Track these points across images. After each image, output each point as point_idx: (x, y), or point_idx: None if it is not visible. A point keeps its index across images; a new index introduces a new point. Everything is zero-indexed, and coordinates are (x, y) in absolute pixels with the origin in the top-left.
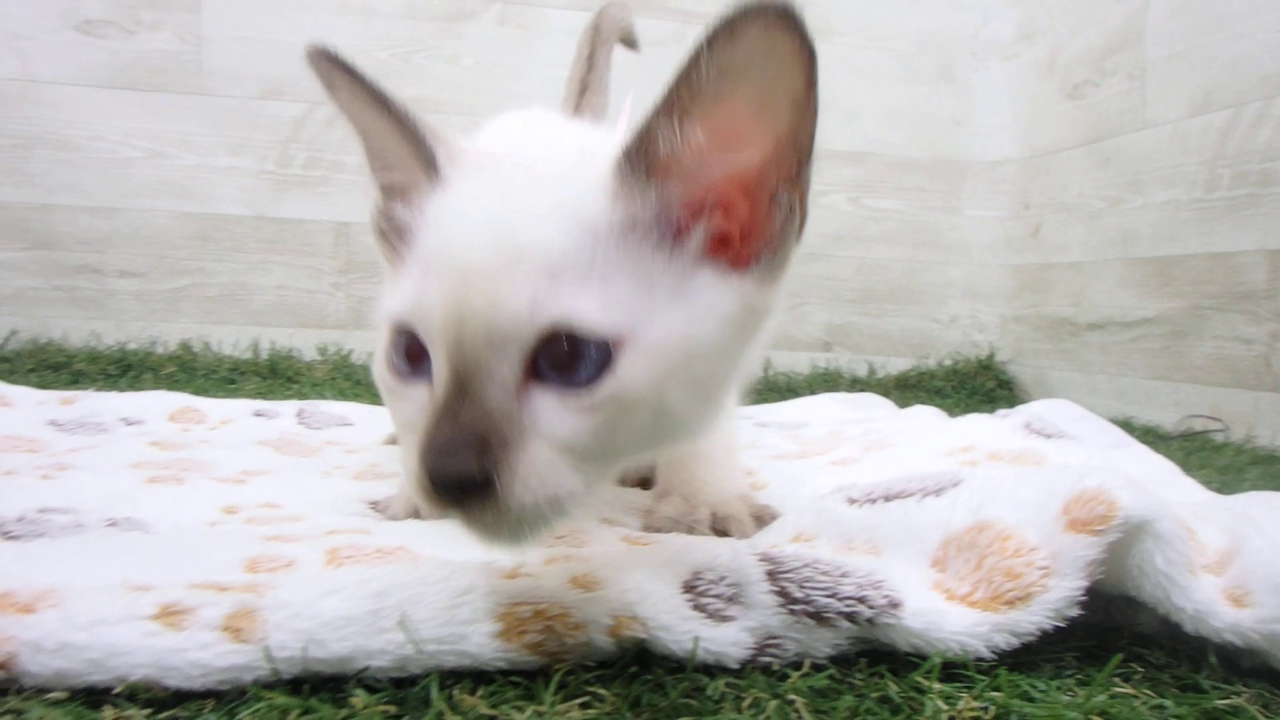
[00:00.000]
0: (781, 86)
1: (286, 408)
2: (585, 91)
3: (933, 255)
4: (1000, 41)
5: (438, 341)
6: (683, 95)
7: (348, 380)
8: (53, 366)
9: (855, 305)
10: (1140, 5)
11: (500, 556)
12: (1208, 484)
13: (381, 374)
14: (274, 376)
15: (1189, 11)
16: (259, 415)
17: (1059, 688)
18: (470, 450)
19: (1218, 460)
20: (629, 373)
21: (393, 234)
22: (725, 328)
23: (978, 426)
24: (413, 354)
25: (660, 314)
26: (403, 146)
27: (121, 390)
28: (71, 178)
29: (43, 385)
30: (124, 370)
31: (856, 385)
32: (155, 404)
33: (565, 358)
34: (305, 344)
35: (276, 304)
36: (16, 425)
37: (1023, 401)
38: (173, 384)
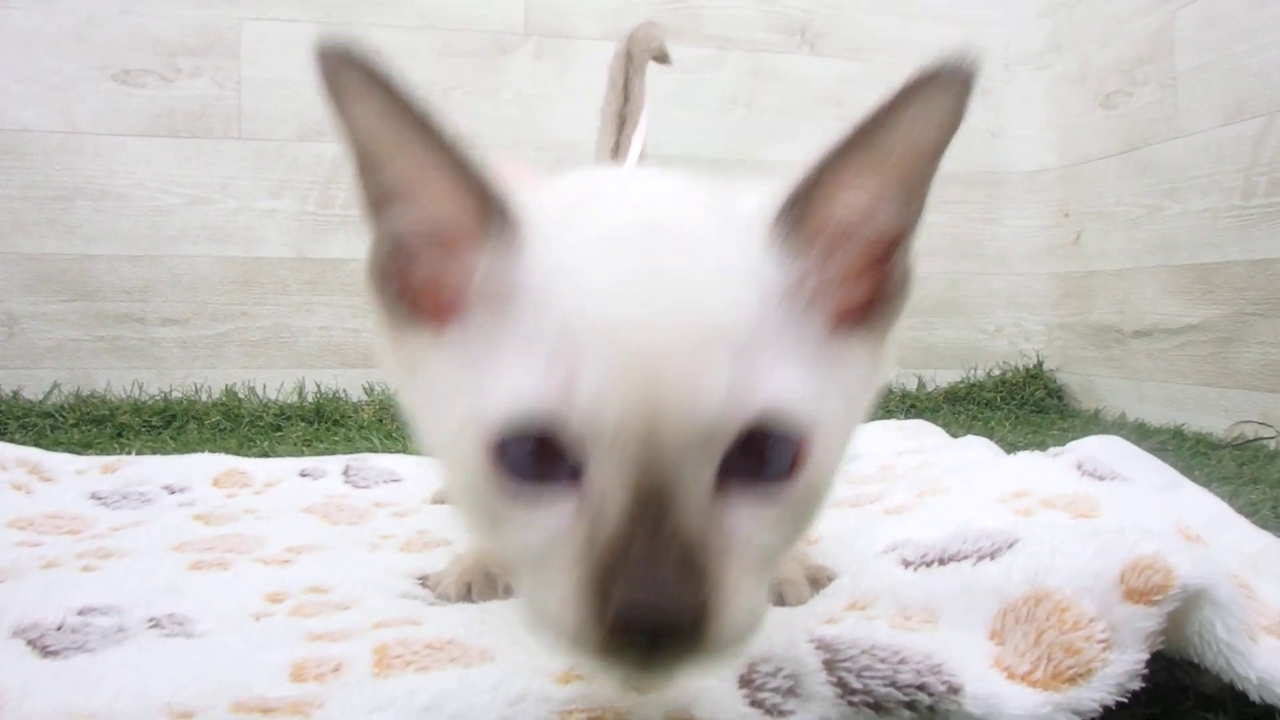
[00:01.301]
0: (936, 148)
1: (333, 465)
2: (624, 125)
3: (975, 266)
4: (1031, 53)
5: (613, 447)
6: (857, 154)
7: (394, 421)
8: (96, 420)
9: (901, 319)
10: (1168, 17)
11: (641, 697)
12: (1263, 499)
13: (480, 494)
14: (320, 420)
15: (1216, 23)
16: (305, 475)
17: None
18: (686, 578)
19: (1271, 472)
20: (820, 459)
21: (421, 294)
22: (867, 395)
23: (1030, 468)
24: (539, 458)
25: (826, 390)
26: (451, 183)
27: (167, 442)
28: (112, 227)
29: (85, 441)
30: (168, 421)
31: (906, 400)
32: (199, 468)
33: (758, 452)
34: (351, 384)
35: (321, 345)
36: (57, 502)
37: (1074, 410)
38: (218, 433)
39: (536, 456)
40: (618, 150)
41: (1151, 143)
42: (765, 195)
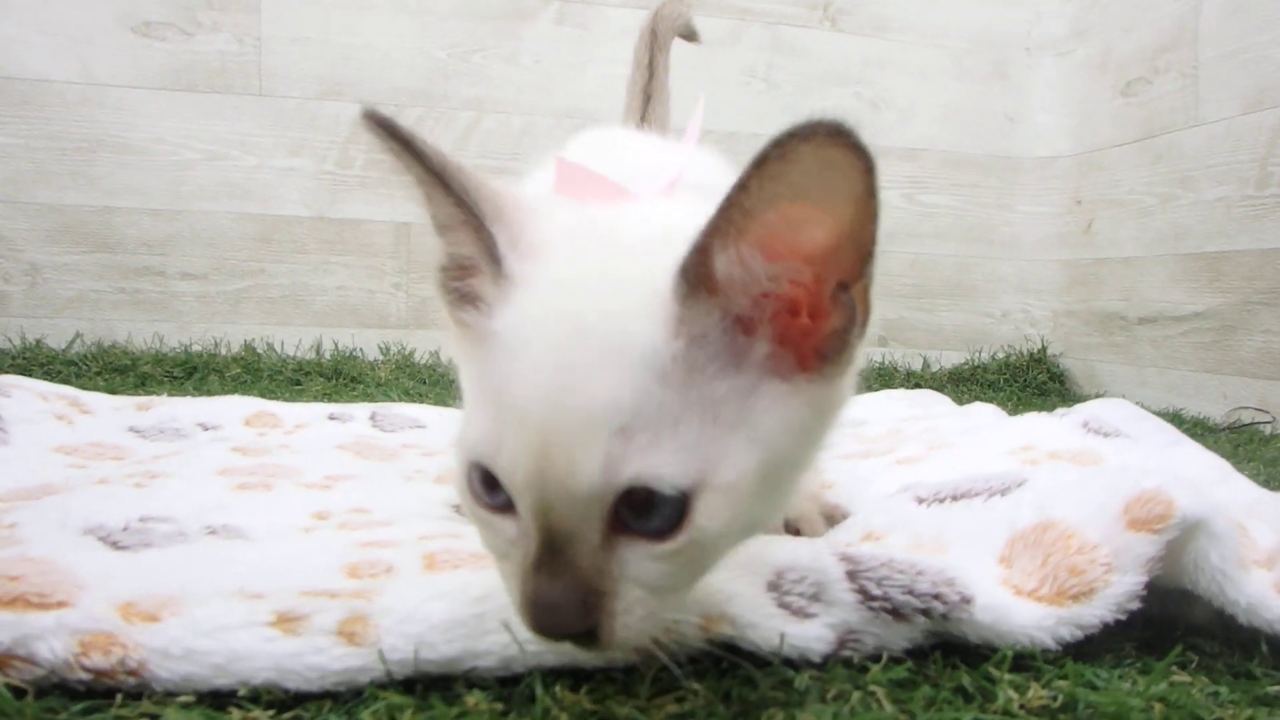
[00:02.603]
0: (840, 196)
1: (360, 411)
2: (649, 101)
3: (986, 251)
4: (1053, 39)
5: (523, 497)
6: (735, 218)
7: (411, 379)
8: (119, 369)
9: (910, 300)
10: (1193, 5)
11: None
12: (1255, 476)
13: (464, 498)
14: (338, 377)
15: (1241, 12)
16: (333, 419)
17: (1120, 676)
18: (573, 611)
19: (1265, 453)
20: (706, 517)
21: (467, 301)
22: (796, 437)
23: (1037, 426)
24: (492, 484)
25: (731, 447)
26: (464, 226)
27: (189, 392)
28: (133, 180)
29: (110, 389)
30: (189, 372)
31: (911, 378)
32: (231, 409)
33: (644, 505)
34: (368, 344)
35: (338, 305)
36: (98, 432)
37: (1075, 394)
38: (239, 385)
39: (489, 486)
40: (643, 123)
41: (1169, 131)
42: (674, 257)
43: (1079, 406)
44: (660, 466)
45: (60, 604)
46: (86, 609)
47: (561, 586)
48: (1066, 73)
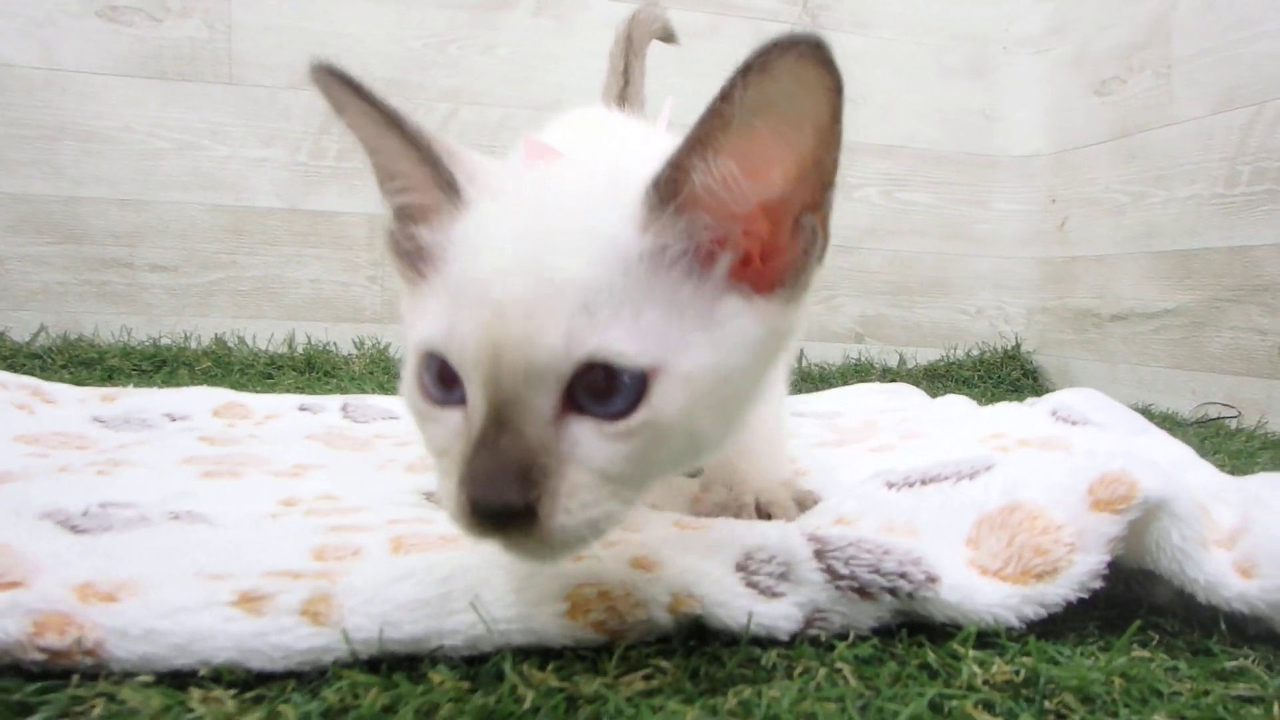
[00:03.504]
0: (809, 117)
1: (331, 402)
2: (625, 106)
3: (962, 248)
4: (1031, 36)
5: (473, 374)
6: (715, 130)
7: (385, 374)
8: (85, 363)
9: (886, 297)
10: (1168, 3)
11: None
12: (1221, 468)
13: (411, 397)
14: (311, 371)
15: (1215, 10)
16: (304, 410)
17: (1083, 653)
18: (512, 481)
19: (1230, 445)
20: (662, 401)
21: (414, 255)
22: (751, 352)
23: (1007, 414)
24: (445, 378)
25: (690, 342)
26: (419, 168)
27: (159, 385)
28: (99, 169)
29: (76, 382)
30: (158, 366)
31: (888, 375)
32: (199, 400)
33: (601, 388)
34: (341, 338)
35: (311, 298)
36: (62, 422)
37: (1048, 390)
38: (209, 380)
39: (442, 380)
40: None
41: (1143, 130)
42: (649, 170)
43: (1049, 396)
44: (621, 343)
45: (13, 584)
46: (41, 590)
47: (504, 457)
48: (1043, 70)
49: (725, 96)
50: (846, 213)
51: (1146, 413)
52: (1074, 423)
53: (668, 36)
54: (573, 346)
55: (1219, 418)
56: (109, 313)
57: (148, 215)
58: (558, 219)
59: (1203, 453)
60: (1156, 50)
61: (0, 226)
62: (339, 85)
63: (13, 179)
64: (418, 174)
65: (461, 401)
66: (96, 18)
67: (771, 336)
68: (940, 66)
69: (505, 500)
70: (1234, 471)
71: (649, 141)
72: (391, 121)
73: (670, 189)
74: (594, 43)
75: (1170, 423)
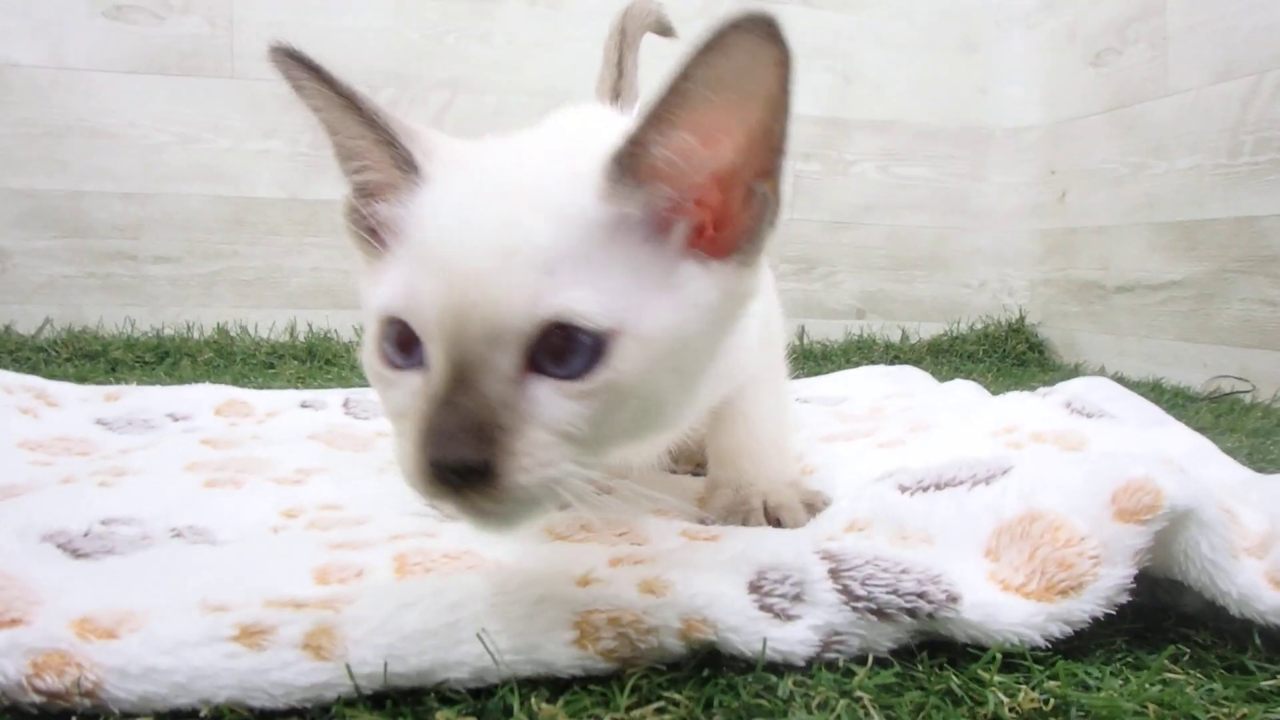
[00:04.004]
0: (760, 89)
1: (333, 398)
2: (619, 99)
3: (961, 222)
4: (1023, 10)
5: (435, 334)
6: (672, 105)
7: None
8: (89, 355)
9: (886, 272)
10: None
11: (492, 538)
12: (1239, 448)
13: (371, 363)
14: (313, 359)
15: None
16: (306, 406)
17: (1112, 674)
18: (471, 437)
19: (1247, 423)
20: (622, 362)
21: (374, 229)
22: (708, 315)
23: (1019, 406)
24: (404, 343)
25: (650, 305)
26: (376, 145)
27: (161, 378)
28: (104, 164)
29: (80, 375)
30: (161, 357)
31: (890, 351)
32: (201, 397)
33: (562, 349)
34: (342, 325)
35: (312, 286)
36: (64, 425)
37: (1054, 363)
38: (211, 370)
39: (400, 345)
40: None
41: (1140, 101)
42: (609, 144)
43: (1061, 385)
44: (582, 303)
45: (14, 621)
46: (41, 627)
47: (464, 414)
48: (1036, 44)
49: (684, 74)
50: (843, 189)
51: (1157, 387)
52: (1089, 415)
53: (664, 30)
54: (536, 307)
55: (1233, 392)
56: (113, 304)
57: (151, 208)
58: (519, 188)
59: (1218, 431)
60: (1152, 22)
61: (7, 222)
62: (298, 67)
63: (19, 175)
64: (376, 152)
65: (420, 365)
66: (103, 17)
67: (728, 300)
68: (931, 42)
69: (463, 457)
70: (1252, 453)
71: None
72: (349, 102)
73: (630, 161)
74: (588, 30)
75: (1182, 397)
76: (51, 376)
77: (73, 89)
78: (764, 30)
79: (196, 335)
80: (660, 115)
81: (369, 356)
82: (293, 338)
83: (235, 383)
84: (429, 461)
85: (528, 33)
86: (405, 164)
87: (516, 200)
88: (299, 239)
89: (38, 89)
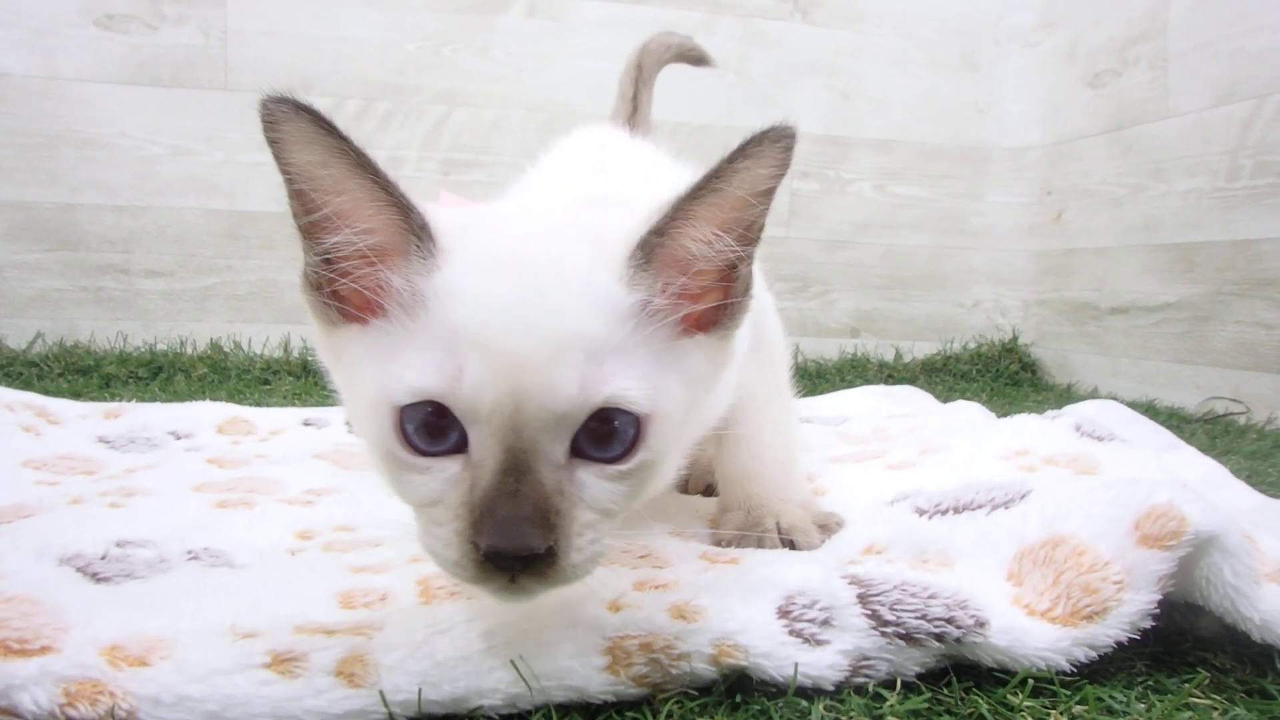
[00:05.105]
0: (768, 190)
1: (335, 415)
2: (631, 133)
3: (957, 241)
4: (1022, 29)
5: (486, 423)
6: (699, 202)
7: None
8: (82, 370)
9: (882, 291)
10: None
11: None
12: (1238, 470)
13: (392, 449)
14: (308, 375)
15: (1211, 5)
16: (309, 425)
17: (1137, 698)
18: (536, 526)
19: (1243, 445)
20: (655, 441)
21: (342, 300)
22: (702, 385)
23: (1028, 428)
24: (435, 428)
25: (669, 384)
26: (384, 211)
27: (156, 393)
28: (96, 176)
29: (74, 390)
30: (155, 373)
31: (884, 370)
32: (202, 415)
33: (601, 434)
34: None
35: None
36: (67, 443)
37: (1047, 384)
38: (206, 385)
39: (428, 430)
40: None
41: (1139, 123)
42: (628, 231)
43: (1069, 408)
44: (630, 390)
45: (44, 649)
46: (71, 655)
47: (527, 503)
48: (1035, 63)
49: (720, 175)
50: (840, 207)
51: (1151, 408)
52: (1099, 438)
53: (697, 59)
54: (589, 394)
55: (1226, 414)
56: (105, 318)
57: (144, 221)
58: (551, 271)
59: (1216, 453)
60: (1152, 44)
61: None
62: (308, 121)
63: (10, 187)
64: (384, 217)
65: (455, 450)
66: (95, 26)
67: (715, 369)
68: (931, 60)
69: (531, 545)
70: (1252, 475)
71: (655, 169)
72: (359, 162)
73: (652, 251)
74: (586, 43)
75: (1176, 418)
76: (45, 391)
77: (63, 98)
78: (789, 143)
79: (190, 350)
80: (687, 210)
81: (387, 443)
82: (286, 353)
83: (231, 398)
84: (488, 549)
85: (526, 46)
86: (417, 232)
87: (554, 286)
88: (294, 253)
89: (29, 99)
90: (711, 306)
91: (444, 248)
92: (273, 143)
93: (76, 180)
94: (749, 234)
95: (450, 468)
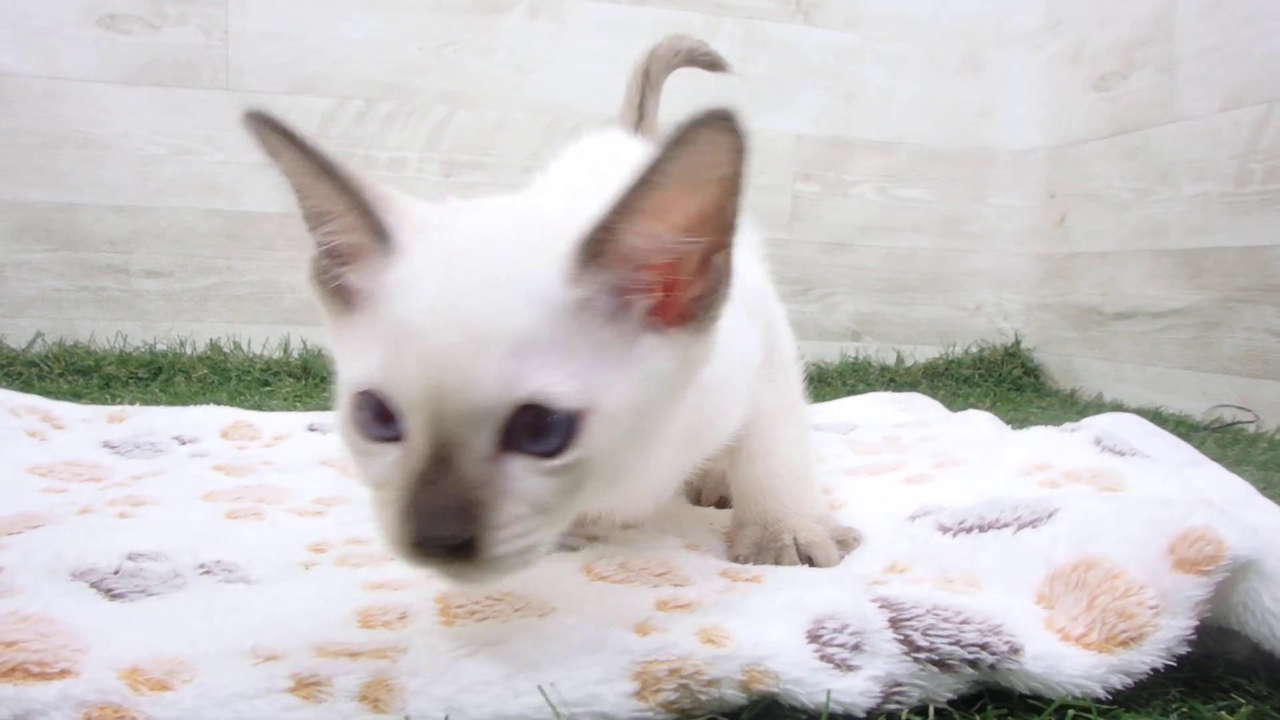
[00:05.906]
0: (719, 176)
1: None
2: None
3: (959, 244)
4: (1026, 31)
5: (413, 416)
6: (639, 196)
7: None
8: (82, 370)
9: (883, 294)
10: (1170, 0)
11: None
12: (1253, 482)
13: (348, 434)
14: (308, 376)
15: (1220, 8)
16: (313, 430)
17: None
18: (454, 516)
19: (1254, 455)
20: (592, 439)
21: (341, 291)
22: (667, 384)
23: (1047, 441)
24: (381, 415)
25: (614, 381)
26: (350, 212)
27: (156, 394)
28: (98, 176)
29: (74, 391)
30: (155, 373)
31: (886, 374)
32: (206, 419)
33: (536, 427)
34: None
35: (307, 302)
36: (71, 449)
37: (1050, 389)
38: (207, 386)
39: (377, 417)
40: None
41: (1145, 126)
42: (576, 226)
43: (1087, 421)
44: (553, 386)
45: (62, 673)
46: (91, 678)
47: (446, 494)
48: (1040, 65)
49: (653, 167)
50: (843, 210)
51: (1157, 415)
52: (1121, 453)
53: (710, 64)
54: (508, 390)
55: (1234, 422)
56: (105, 319)
57: (144, 221)
58: (489, 268)
59: (1227, 462)
60: (1159, 47)
61: None
62: (273, 132)
63: (11, 186)
64: (349, 217)
65: (398, 437)
66: (97, 26)
67: (685, 367)
68: (934, 62)
69: (448, 534)
70: (1266, 485)
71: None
72: (324, 168)
73: (596, 247)
74: (589, 45)
75: (1184, 427)
76: (45, 391)
77: (65, 98)
78: (724, 125)
79: (190, 351)
80: (627, 204)
81: (345, 427)
82: (286, 354)
83: (231, 400)
84: (415, 535)
85: (529, 47)
86: (377, 231)
87: (487, 284)
88: (294, 254)
89: (30, 98)
90: (689, 300)
91: (399, 246)
92: (263, 150)
93: (78, 180)
94: (710, 225)
95: (393, 453)
